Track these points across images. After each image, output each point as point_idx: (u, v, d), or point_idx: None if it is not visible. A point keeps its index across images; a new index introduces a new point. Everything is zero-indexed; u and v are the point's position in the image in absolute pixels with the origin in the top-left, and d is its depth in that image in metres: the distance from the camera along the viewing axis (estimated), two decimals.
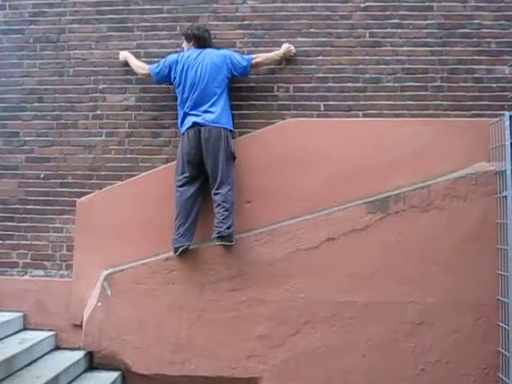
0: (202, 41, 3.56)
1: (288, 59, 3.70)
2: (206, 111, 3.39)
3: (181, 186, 3.42)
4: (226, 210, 3.31)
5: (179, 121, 3.51)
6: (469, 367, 3.30)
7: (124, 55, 3.75)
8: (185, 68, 3.45)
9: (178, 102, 3.52)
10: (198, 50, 3.52)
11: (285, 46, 3.65)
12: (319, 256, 3.41)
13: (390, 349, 3.35)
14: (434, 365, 3.32)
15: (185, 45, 3.62)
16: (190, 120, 3.41)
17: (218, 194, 3.35)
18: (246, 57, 3.55)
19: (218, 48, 3.63)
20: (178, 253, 3.39)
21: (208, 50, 3.52)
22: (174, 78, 3.50)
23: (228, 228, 3.30)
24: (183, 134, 3.45)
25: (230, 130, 3.47)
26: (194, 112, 3.41)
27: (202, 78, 3.40)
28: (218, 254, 3.44)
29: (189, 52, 3.54)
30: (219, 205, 3.33)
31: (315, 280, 3.40)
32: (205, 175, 3.43)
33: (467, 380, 3.30)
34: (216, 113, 3.38)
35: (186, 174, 3.42)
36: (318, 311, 3.39)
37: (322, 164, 3.53)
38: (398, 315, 3.36)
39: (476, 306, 3.31)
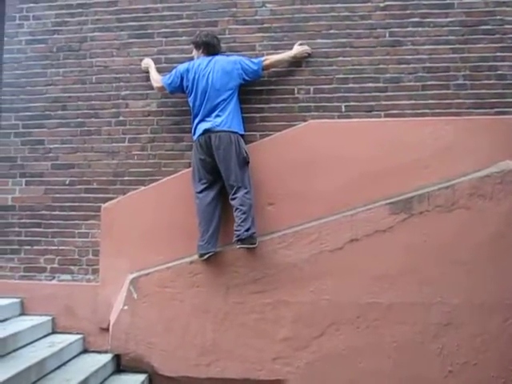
0: (211, 47, 3.58)
1: (308, 61, 3.70)
2: (216, 117, 3.41)
3: (200, 192, 3.46)
4: (244, 213, 3.33)
5: (192, 129, 3.55)
6: (497, 369, 3.25)
7: (146, 64, 3.80)
8: (196, 76, 3.48)
9: (191, 110, 3.56)
10: (208, 58, 3.54)
11: (297, 47, 3.67)
12: (343, 257, 3.41)
13: (416, 350, 3.32)
14: (462, 367, 3.29)
15: (194, 53, 3.65)
16: (201, 127, 3.44)
17: (234, 198, 3.38)
18: (255, 60, 3.56)
19: (228, 55, 3.67)
20: (203, 259, 3.44)
21: (218, 58, 3.55)
22: (187, 86, 3.53)
23: (247, 230, 3.31)
24: (195, 141, 3.49)
25: (241, 135, 3.48)
26: (205, 119, 3.45)
27: (213, 85, 3.43)
28: (242, 257, 3.47)
29: (199, 60, 3.56)
30: (237, 209, 3.35)
31: (339, 281, 3.40)
32: (222, 180, 3.45)
33: (496, 382, 3.25)
34: (226, 118, 3.41)
35: (204, 181, 3.46)
36: (343, 313, 3.39)
37: (344, 165, 3.52)
38: (424, 316, 3.33)
39: (503, 307, 3.27)
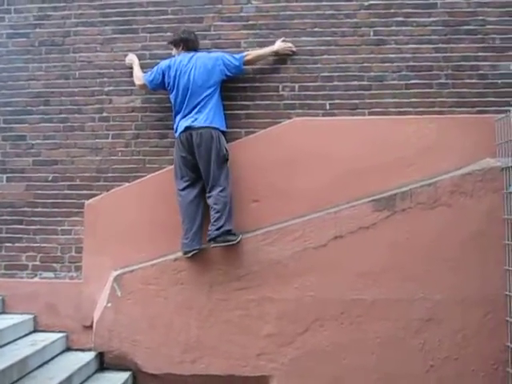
0: (190, 43, 3.58)
1: (293, 58, 3.72)
2: (197, 113, 3.41)
3: (182, 190, 3.46)
4: (217, 212, 3.33)
5: (174, 126, 3.53)
6: (477, 363, 3.31)
7: (130, 60, 3.77)
8: (177, 73, 3.47)
9: (173, 107, 3.55)
10: (189, 54, 3.53)
11: (279, 43, 3.67)
12: (327, 254, 3.43)
13: (399, 346, 3.36)
14: (443, 361, 3.34)
15: (174, 51, 3.63)
16: (182, 125, 3.43)
17: (210, 196, 3.38)
18: (237, 56, 3.56)
19: (210, 51, 3.67)
20: (187, 256, 3.43)
21: (199, 54, 3.54)
22: (168, 83, 3.52)
23: (218, 229, 3.31)
24: (177, 138, 3.48)
25: (223, 132, 3.48)
26: (186, 116, 3.44)
27: (195, 82, 3.42)
28: (226, 254, 3.46)
29: (180, 57, 3.54)
30: (211, 207, 3.37)
31: (323, 278, 3.42)
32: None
33: (476, 376, 3.31)
34: (207, 115, 3.40)
35: (186, 178, 3.45)
36: (327, 309, 3.41)
37: (328, 162, 3.54)
38: (407, 312, 3.37)
39: (484, 302, 3.32)
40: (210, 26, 3.80)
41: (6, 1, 3.98)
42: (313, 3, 3.76)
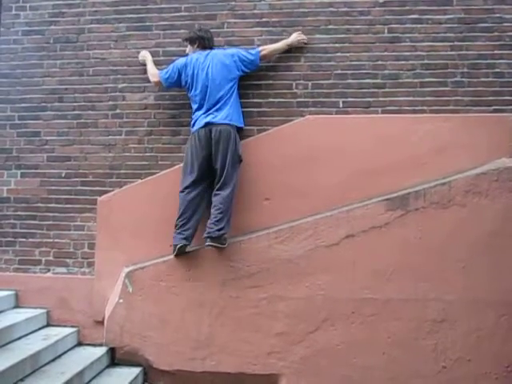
0: (206, 41, 3.59)
1: (306, 56, 3.71)
2: (217, 110, 3.41)
3: (187, 187, 3.44)
4: (221, 213, 3.33)
5: (192, 122, 3.54)
6: (491, 365, 3.27)
7: (143, 57, 3.79)
8: (195, 71, 3.48)
9: (192, 104, 3.55)
10: (205, 52, 3.54)
11: (294, 35, 3.67)
12: (339, 253, 3.41)
13: (411, 346, 3.33)
14: (455, 362, 3.30)
15: (189, 49, 3.64)
16: (202, 120, 3.43)
17: (217, 195, 3.38)
18: (252, 51, 3.57)
19: (225, 48, 3.67)
20: (175, 252, 3.42)
21: (215, 51, 3.55)
22: (186, 81, 3.53)
23: (219, 230, 3.31)
24: (193, 134, 3.47)
25: (241, 129, 3.49)
26: (206, 113, 3.44)
27: (213, 79, 3.43)
28: (237, 251, 3.46)
29: (196, 55, 3.55)
30: (215, 206, 3.36)
31: (335, 277, 3.40)
32: (211, 177, 3.44)
33: (489, 378, 3.27)
34: (227, 112, 3.42)
35: (193, 175, 3.43)
36: (338, 308, 3.39)
37: (341, 161, 3.52)
38: (419, 313, 3.34)
39: (498, 304, 3.28)
40: (223, 23, 3.80)
41: None
42: (326, 0, 3.73)
